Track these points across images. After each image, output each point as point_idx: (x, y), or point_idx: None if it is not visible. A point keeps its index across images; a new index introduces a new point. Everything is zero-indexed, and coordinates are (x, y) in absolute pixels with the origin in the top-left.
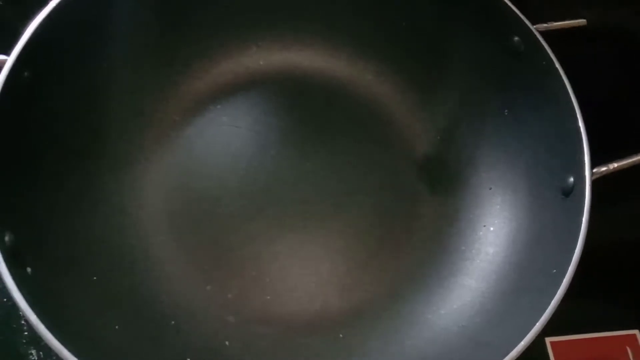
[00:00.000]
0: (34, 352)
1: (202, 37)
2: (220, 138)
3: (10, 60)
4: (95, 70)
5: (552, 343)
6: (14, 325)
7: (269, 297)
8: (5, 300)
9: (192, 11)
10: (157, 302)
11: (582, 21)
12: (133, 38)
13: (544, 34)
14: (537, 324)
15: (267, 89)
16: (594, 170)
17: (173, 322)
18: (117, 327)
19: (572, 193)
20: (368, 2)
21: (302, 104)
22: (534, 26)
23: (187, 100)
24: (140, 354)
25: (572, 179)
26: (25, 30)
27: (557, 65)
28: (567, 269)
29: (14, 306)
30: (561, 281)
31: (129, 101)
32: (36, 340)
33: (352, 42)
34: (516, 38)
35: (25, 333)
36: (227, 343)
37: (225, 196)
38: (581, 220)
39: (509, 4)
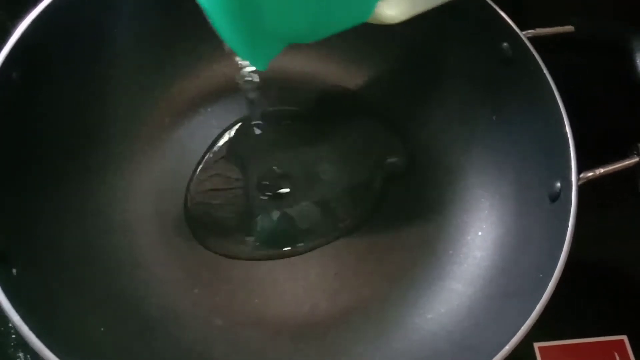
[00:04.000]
0: (21, 355)
1: (194, 41)
2: (210, 141)
3: None
4: (86, 72)
5: (540, 348)
6: (2, 328)
7: (257, 301)
8: None
9: (184, 15)
10: (144, 304)
11: (569, 28)
12: (124, 41)
13: (532, 40)
14: (523, 327)
15: (258, 93)
16: (581, 175)
17: (161, 325)
18: (103, 329)
19: (558, 198)
20: None
21: (292, 108)
22: (523, 32)
23: (178, 102)
24: (127, 356)
25: (559, 184)
26: (14, 31)
27: (545, 71)
28: (553, 273)
29: (1, 309)
30: (547, 285)
31: (120, 103)
32: (24, 343)
33: (343, 47)
34: (505, 44)
35: (13, 336)
36: (215, 346)
37: (219, 199)
38: (567, 225)
39: (498, 10)
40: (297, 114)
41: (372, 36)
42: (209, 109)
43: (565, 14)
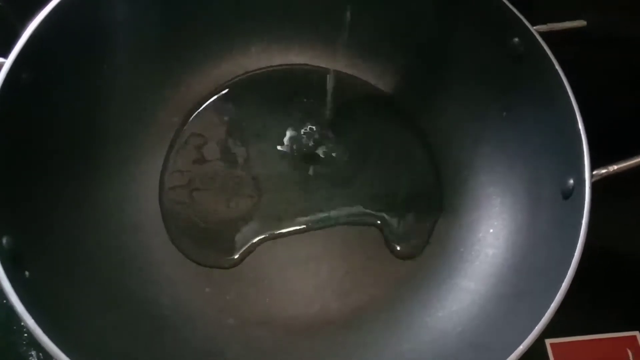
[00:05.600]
0: (34, 353)
1: (202, 40)
2: (219, 140)
3: (8, 62)
4: (95, 72)
5: (552, 345)
6: (14, 327)
7: (267, 300)
8: (5, 301)
9: (192, 14)
10: (156, 304)
11: (582, 22)
12: (133, 40)
13: (544, 35)
14: (537, 327)
15: (267, 91)
16: (594, 172)
17: (172, 325)
18: (115, 330)
19: (571, 195)
20: (368, 5)
21: (302, 106)
22: (534, 27)
23: (187, 102)
24: (139, 356)
25: (571, 181)
26: (23, 32)
27: (557, 66)
28: (567, 271)
29: (15, 312)
30: (560, 284)
31: (129, 103)
32: (36, 342)
33: (352, 44)
34: (516, 39)
35: (26, 335)
36: (226, 345)
37: (224, 199)
38: (581, 223)
39: (509, 5)
40: (304, 110)
41: (380, 33)
42: (217, 108)
43: (577, 9)
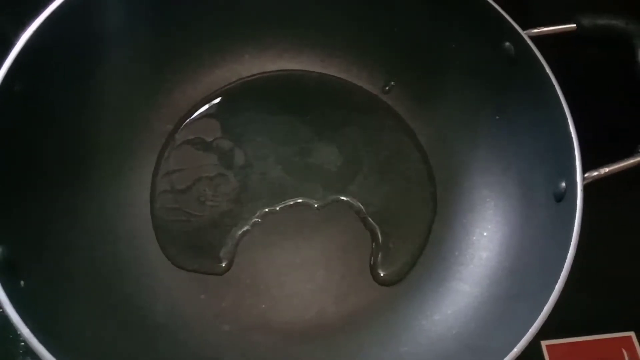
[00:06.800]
0: None
1: (196, 47)
2: (212, 146)
3: (1, 73)
4: (88, 80)
5: (547, 346)
6: (10, 336)
7: (264, 306)
8: (0, 311)
9: (185, 21)
10: (151, 311)
11: (572, 26)
12: (126, 48)
13: (535, 39)
14: (531, 329)
15: (260, 97)
16: (586, 174)
17: (168, 331)
18: (111, 337)
19: (564, 198)
20: (361, 9)
21: (295, 112)
22: (525, 31)
23: (179, 108)
24: None
25: (564, 184)
26: (16, 43)
27: (548, 70)
28: (560, 273)
29: (11, 322)
30: (554, 285)
31: (122, 110)
32: (32, 350)
33: (345, 49)
34: (507, 43)
35: (22, 343)
36: (222, 352)
37: (218, 204)
38: (573, 225)
39: (499, 9)
40: (298, 115)
41: (373, 37)
42: (211, 114)
43: (567, 12)
